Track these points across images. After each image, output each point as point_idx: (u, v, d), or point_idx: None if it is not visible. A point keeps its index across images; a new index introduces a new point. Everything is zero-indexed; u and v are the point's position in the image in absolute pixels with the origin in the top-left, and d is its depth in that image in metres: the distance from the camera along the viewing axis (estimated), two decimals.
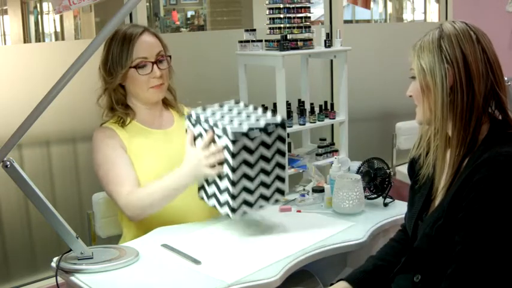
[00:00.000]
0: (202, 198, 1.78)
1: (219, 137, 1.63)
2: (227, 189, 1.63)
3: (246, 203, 1.65)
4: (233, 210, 1.63)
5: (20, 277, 2.69)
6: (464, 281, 1.22)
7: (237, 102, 1.81)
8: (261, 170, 1.66)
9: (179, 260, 1.54)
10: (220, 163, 1.64)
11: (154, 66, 1.85)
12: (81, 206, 2.76)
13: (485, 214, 1.20)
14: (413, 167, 1.50)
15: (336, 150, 3.22)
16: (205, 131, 1.68)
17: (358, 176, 1.87)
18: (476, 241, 1.21)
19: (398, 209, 1.87)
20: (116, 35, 1.87)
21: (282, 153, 1.69)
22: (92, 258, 1.52)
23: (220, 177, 1.65)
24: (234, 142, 1.58)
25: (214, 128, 1.64)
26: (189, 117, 1.76)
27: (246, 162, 1.62)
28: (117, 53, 1.84)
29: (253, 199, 1.66)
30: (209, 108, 1.75)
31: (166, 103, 2.02)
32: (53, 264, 1.52)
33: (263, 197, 1.69)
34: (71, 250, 1.52)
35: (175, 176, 1.74)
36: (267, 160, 1.66)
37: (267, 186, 1.69)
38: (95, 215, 2.10)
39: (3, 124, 2.46)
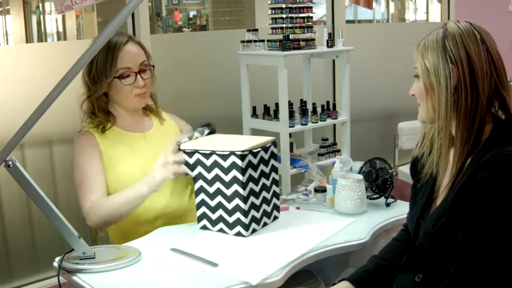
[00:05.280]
0: (204, 227, 1.75)
1: (224, 157, 1.64)
2: (237, 208, 1.66)
3: (254, 219, 1.70)
4: (245, 226, 1.66)
5: (22, 277, 2.69)
6: (467, 280, 1.22)
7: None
8: (263, 185, 1.73)
9: (186, 260, 1.53)
10: (228, 184, 1.65)
11: (138, 76, 1.87)
12: None
13: (488, 213, 1.20)
14: (416, 166, 1.50)
15: (338, 150, 3.22)
16: (205, 155, 1.68)
17: (360, 176, 1.86)
18: (479, 240, 1.21)
19: (400, 209, 1.87)
20: None
21: (276, 170, 1.79)
22: (94, 258, 1.52)
23: (228, 199, 1.67)
24: (242, 158, 1.62)
25: (218, 152, 1.65)
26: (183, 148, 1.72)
27: (251, 178, 1.67)
28: (102, 62, 1.84)
29: (259, 215, 1.72)
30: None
31: (146, 109, 2.04)
32: (55, 264, 1.52)
33: (265, 213, 1.75)
34: (73, 250, 1.52)
35: (134, 184, 1.76)
36: (265, 176, 1.74)
37: (267, 202, 1.75)
38: None
39: (5, 124, 2.46)
